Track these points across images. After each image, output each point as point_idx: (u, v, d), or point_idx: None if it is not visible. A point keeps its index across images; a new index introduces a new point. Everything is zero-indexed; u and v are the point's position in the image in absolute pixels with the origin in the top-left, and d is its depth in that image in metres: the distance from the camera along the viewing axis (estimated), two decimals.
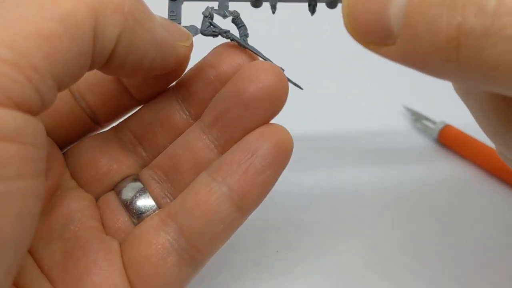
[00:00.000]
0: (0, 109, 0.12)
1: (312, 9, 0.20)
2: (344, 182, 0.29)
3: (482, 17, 0.10)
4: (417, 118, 0.34)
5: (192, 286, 0.23)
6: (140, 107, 0.21)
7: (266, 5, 0.20)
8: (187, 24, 0.20)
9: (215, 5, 0.20)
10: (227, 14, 0.20)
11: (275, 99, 0.18)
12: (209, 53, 0.20)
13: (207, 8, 0.20)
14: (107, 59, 0.15)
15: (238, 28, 0.20)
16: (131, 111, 0.21)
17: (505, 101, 0.14)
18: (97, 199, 0.21)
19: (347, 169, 0.30)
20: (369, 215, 0.28)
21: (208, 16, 0.20)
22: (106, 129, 0.21)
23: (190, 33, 0.19)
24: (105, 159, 0.20)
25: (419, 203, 0.28)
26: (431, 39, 0.11)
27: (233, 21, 0.20)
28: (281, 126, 0.19)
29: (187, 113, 0.20)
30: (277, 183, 0.29)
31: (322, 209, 0.28)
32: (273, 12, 0.20)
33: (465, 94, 0.16)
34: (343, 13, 0.13)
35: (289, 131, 0.19)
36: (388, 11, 0.12)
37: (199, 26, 0.20)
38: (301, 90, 0.20)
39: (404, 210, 0.28)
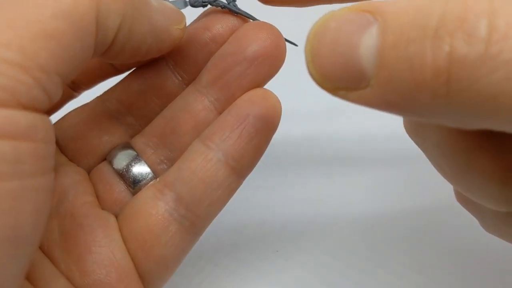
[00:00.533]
0: (10, 110, 0.12)
1: None
2: (343, 182, 0.29)
3: (474, 44, 0.09)
4: None
5: (192, 286, 0.23)
6: (125, 75, 0.21)
7: None
8: None
9: None
10: None
11: (277, 57, 0.19)
12: (199, 17, 0.20)
13: None
14: (107, 48, 0.15)
15: None
16: (110, 78, 0.21)
17: (464, 140, 0.13)
18: (89, 172, 0.20)
19: (346, 169, 0.30)
20: (369, 215, 0.27)
21: None
22: (92, 100, 0.21)
23: (183, 14, 0.19)
24: (94, 131, 0.20)
25: (418, 203, 0.28)
26: (413, 76, 0.10)
27: None
28: (269, 90, 0.19)
29: (180, 78, 0.20)
30: (277, 184, 0.28)
31: (322, 210, 0.27)
32: None
33: (421, 137, 0.15)
34: (306, 60, 0.12)
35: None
36: (358, 52, 0.11)
37: None
38: (296, 46, 0.19)
39: (403, 210, 0.27)
